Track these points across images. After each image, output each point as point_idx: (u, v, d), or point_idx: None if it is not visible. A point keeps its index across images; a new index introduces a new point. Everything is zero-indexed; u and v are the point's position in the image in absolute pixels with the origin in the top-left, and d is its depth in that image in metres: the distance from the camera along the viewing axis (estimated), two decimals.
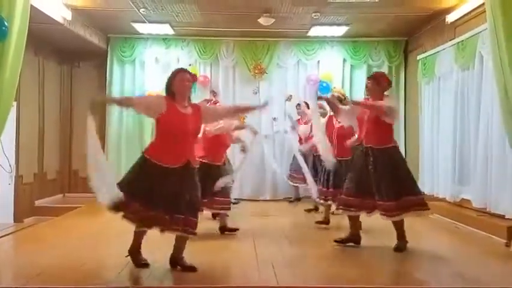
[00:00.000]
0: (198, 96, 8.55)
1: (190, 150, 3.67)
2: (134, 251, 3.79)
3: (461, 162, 6.34)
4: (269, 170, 8.44)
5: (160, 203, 3.50)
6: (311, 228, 5.74)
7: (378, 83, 4.55)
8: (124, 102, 4.02)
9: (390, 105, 4.48)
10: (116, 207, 3.46)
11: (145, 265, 3.75)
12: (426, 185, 7.26)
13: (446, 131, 6.71)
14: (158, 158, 3.58)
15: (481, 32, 5.66)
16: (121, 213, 3.52)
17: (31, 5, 4.62)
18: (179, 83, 3.65)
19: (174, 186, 3.53)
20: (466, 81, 6.26)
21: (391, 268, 4.07)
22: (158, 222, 3.54)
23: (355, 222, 4.68)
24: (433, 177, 7.08)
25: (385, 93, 4.63)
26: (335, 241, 4.65)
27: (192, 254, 3.84)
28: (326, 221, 5.76)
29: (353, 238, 4.64)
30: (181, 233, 3.60)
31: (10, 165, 6.30)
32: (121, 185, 3.53)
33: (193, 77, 3.78)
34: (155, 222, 3.55)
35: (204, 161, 4.81)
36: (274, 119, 8.42)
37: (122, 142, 8.55)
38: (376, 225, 5.28)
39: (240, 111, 4.05)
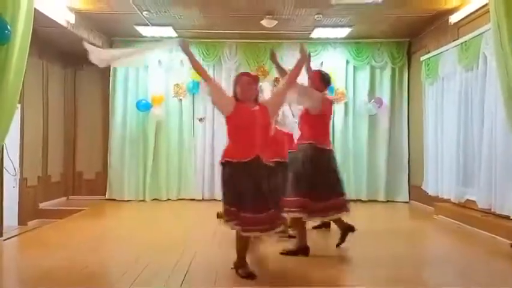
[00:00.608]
0: (200, 97, 8.62)
1: (260, 145, 3.72)
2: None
3: (466, 163, 6.31)
4: None
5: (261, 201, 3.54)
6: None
7: (311, 81, 4.50)
8: (202, 70, 3.91)
9: (303, 86, 4.31)
10: (231, 223, 3.58)
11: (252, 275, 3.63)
12: (430, 185, 7.24)
13: (450, 132, 6.68)
14: (231, 155, 3.65)
15: (484, 32, 5.64)
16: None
17: (35, 9, 4.63)
18: (240, 88, 3.76)
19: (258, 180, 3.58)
20: (470, 81, 6.23)
21: (395, 268, 4.05)
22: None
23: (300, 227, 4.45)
24: (437, 178, 7.05)
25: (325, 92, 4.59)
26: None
27: (196, 253, 3.84)
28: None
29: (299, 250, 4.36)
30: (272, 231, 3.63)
31: (14, 168, 6.31)
32: (226, 205, 3.64)
33: (254, 78, 3.88)
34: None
35: (276, 160, 4.72)
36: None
37: (126, 143, 8.56)
38: (378, 226, 5.28)
39: (291, 81, 3.97)
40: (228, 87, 9.01)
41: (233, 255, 4.27)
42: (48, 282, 3.53)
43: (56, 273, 3.77)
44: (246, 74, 3.98)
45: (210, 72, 8.65)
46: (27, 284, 3.50)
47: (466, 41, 6.21)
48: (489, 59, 5.61)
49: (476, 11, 6.02)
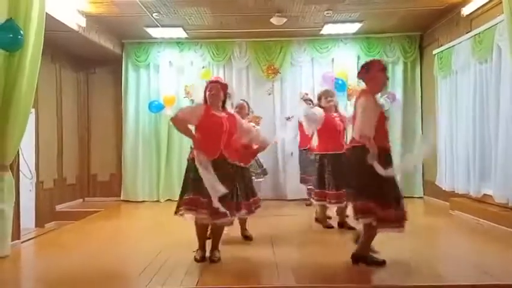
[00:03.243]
0: None
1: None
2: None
3: (481, 157, 6.22)
4: (286, 171, 8.39)
5: None
6: (322, 230, 5.58)
7: None
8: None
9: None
10: None
11: None
12: (444, 180, 7.16)
13: (464, 126, 6.60)
14: None
15: (497, 23, 5.56)
16: None
17: (46, 13, 4.69)
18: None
19: None
20: (484, 74, 6.15)
21: (412, 264, 4.01)
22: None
23: None
24: (453, 172, 6.97)
25: None
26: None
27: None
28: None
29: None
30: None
31: (30, 172, 6.40)
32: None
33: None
34: None
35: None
36: (288, 118, 8.36)
37: (139, 144, 8.60)
38: None
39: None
40: (238, 87, 9.05)
41: (244, 253, 4.26)
42: (67, 283, 3.57)
43: (74, 274, 3.81)
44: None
45: (221, 73, 8.68)
46: (45, 286, 3.55)
47: (479, 33, 6.12)
48: (503, 51, 5.52)
49: (489, 2, 5.93)
